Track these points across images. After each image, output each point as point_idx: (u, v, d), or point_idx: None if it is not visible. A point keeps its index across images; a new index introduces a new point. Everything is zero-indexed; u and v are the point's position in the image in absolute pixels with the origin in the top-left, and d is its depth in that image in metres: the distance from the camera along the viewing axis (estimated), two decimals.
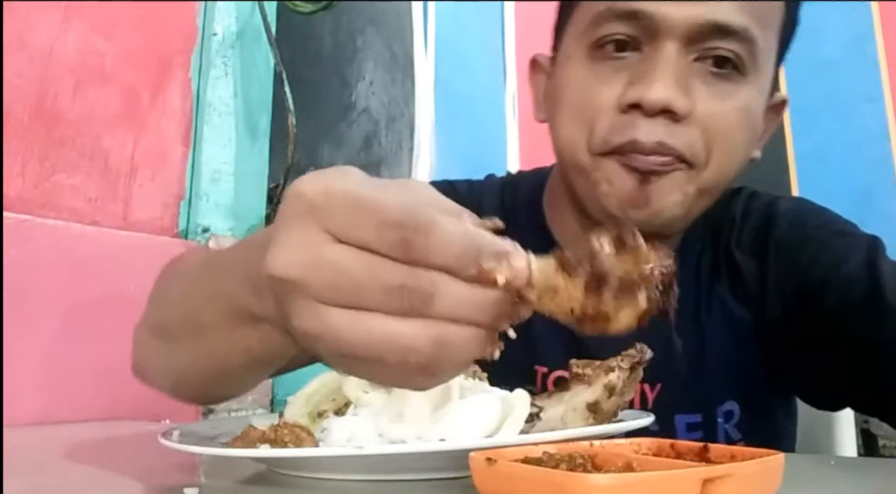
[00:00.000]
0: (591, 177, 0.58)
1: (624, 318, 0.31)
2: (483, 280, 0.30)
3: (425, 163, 1.67)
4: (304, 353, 0.37)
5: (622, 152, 0.55)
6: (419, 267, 0.29)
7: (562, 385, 0.48)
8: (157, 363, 0.55)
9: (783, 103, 0.65)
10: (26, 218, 0.83)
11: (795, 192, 2.20)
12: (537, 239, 0.68)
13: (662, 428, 0.58)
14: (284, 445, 0.42)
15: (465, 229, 0.30)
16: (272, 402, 1.12)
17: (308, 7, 1.20)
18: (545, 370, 0.63)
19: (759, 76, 0.57)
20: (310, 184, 0.31)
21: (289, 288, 0.30)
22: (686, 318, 0.63)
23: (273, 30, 1.16)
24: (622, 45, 0.56)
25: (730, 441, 0.62)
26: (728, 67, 0.55)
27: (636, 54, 0.56)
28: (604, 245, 0.31)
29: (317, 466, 0.42)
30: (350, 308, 0.30)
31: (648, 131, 0.54)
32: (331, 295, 0.30)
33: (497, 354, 0.32)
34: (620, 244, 0.31)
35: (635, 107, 0.54)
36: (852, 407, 0.66)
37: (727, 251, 0.65)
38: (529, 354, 0.63)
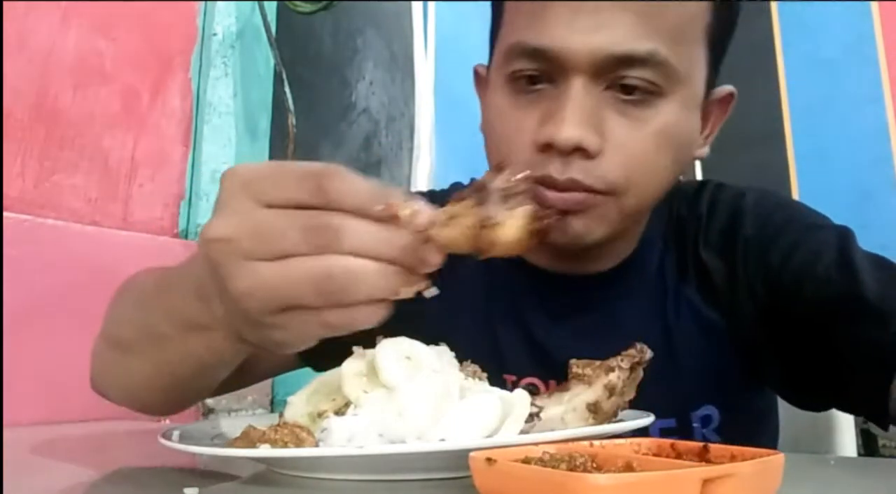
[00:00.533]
0: None
1: (512, 226, 0.38)
2: (388, 217, 0.36)
3: (425, 163, 1.67)
4: (252, 358, 0.48)
5: (536, 184, 0.55)
6: (332, 210, 0.36)
7: (562, 385, 0.48)
8: (115, 375, 0.59)
9: (730, 96, 0.64)
10: (26, 218, 0.83)
11: (795, 192, 2.20)
12: (501, 258, 0.65)
13: (635, 435, 0.57)
14: (284, 445, 0.42)
15: (371, 181, 0.37)
16: (272, 402, 1.12)
17: (308, 7, 1.20)
18: (514, 378, 0.63)
19: (682, 90, 0.56)
20: (240, 167, 0.38)
21: (222, 247, 0.36)
22: (652, 320, 0.63)
23: (273, 30, 1.16)
24: (535, 79, 0.56)
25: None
26: (641, 93, 0.55)
27: (550, 86, 0.56)
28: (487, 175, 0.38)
29: (317, 466, 0.42)
30: (275, 259, 0.36)
31: (562, 169, 0.54)
32: (257, 246, 0.36)
33: (430, 292, 0.39)
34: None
35: (549, 146, 0.54)
36: (836, 407, 0.65)
37: (695, 250, 0.64)
38: (498, 364, 0.62)
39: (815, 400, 0.61)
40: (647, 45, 0.53)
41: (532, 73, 0.56)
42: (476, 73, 0.69)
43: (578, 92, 0.54)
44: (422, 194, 0.74)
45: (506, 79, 0.58)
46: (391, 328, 0.45)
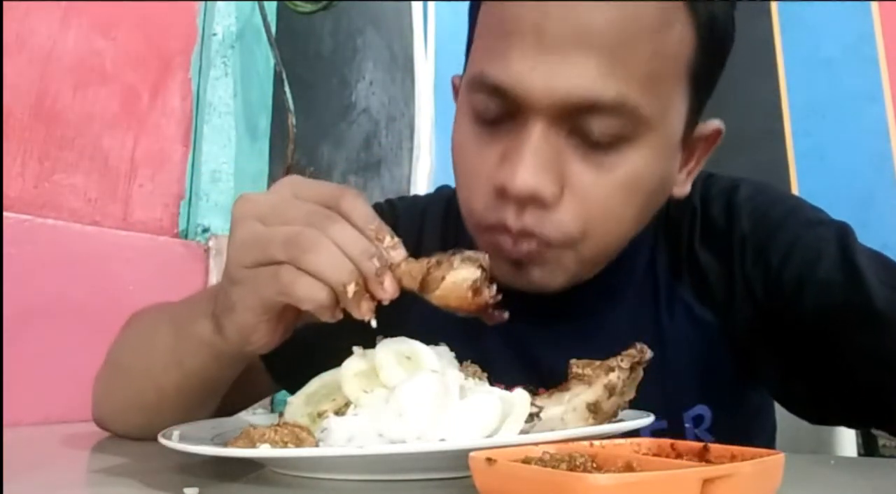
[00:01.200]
0: (479, 245, 0.57)
1: (459, 271, 0.45)
2: (372, 238, 0.44)
3: (425, 163, 1.67)
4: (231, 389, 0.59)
5: (493, 231, 0.53)
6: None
7: (562, 385, 0.48)
8: (119, 400, 0.62)
9: (717, 132, 0.59)
10: (26, 218, 0.83)
11: (795, 192, 2.20)
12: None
13: (634, 435, 0.56)
14: (284, 445, 0.42)
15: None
16: (272, 402, 1.12)
17: (308, 7, 1.20)
18: (502, 387, 0.62)
19: (653, 135, 0.51)
20: (294, 178, 0.48)
21: (249, 206, 0.47)
22: (643, 321, 0.61)
23: (273, 30, 1.16)
24: (498, 117, 0.52)
25: None
26: (607, 139, 0.50)
27: (511, 123, 0.52)
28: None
29: (317, 466, 0.42)
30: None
31: (516, 216, 0.51)
32: (269, 214, 0.46)
33: (371, 321, 0.44)
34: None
35: (504, 191, 0.51)
36: (840, 420, 0.61)
37: (689, 246, 0.61)
38: (486, 373, 0.62)
39: (819, 410, 0.58)
40: (613, 92, 0.49)
41: (491, 108, 0.52)
42: (453, 84, 0.66)
43: (537, 136, 0.50)
44: (378, 206, 0.74)
45: (468, 107, 0.55)
46: (363, 343, 0.47)
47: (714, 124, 0.59)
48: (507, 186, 0.50)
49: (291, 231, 0.44)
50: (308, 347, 0.58)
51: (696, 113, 0.56)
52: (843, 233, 0.56)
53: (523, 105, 0.50)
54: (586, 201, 0.52)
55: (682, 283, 0.62)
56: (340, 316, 0.45)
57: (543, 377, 0.54)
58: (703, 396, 0.60)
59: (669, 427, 0.60)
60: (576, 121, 0.50)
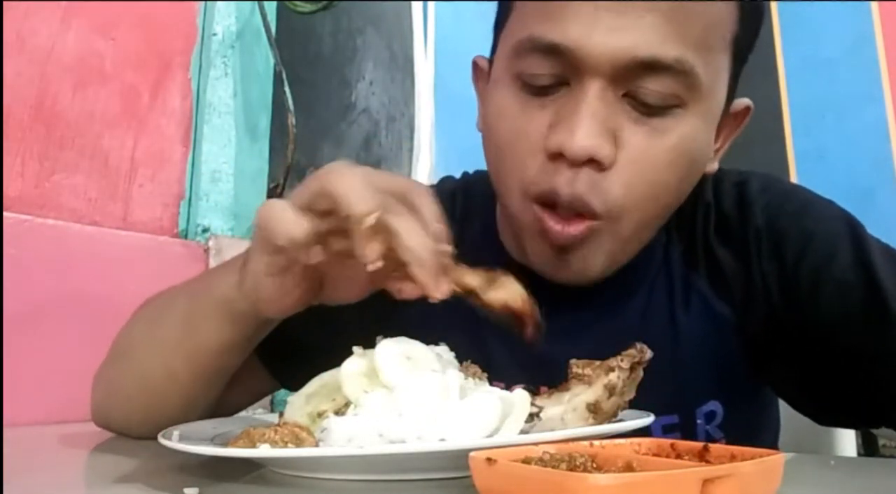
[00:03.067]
0: (518, 224, 0.56)
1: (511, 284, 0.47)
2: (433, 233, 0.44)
3: (425, 163, 1.67)
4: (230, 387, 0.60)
5: (542, 202, 0.53)
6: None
7: (562, 385, 0.48)
8: (125, 387, 0.61)
9: (746, 110, 0.60)
10: (26, 218, 0.83)
11: None
12: (488, 248, 0.64)
13: (636, 431, 0.56)
14: (284, 445, 0.42)
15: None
16: (272, 402, 1.11)
17: (308, 7, 1.20)
18: (502, 385, 0.61)
19: (705, 102, 0.52)
20: (368, 170, 0.45)
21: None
22: (658, 315, 0.60)
23: (273, 30, 1.16)
24: (550, 83, 0.52)
25: (710, 440, 0.60)
26: (662, 103, 0.50)
27: (563, 88, 0.51)
28: None
29: (317, 466, 0.42)
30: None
31: (570, 181, 0.51)
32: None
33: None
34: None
35: (559, 155, 0.50)
36: (842, 420, 0.61)
37: (705, 240, 0.61)
38: (488, 372, 0.61)
39: (828, 410, 0.58)
40: (674, 52, 0.49)
41: (543, 73, 0.51)
42: (475, 65, 0.64)
43: (595, 97, 0.49)
44: None
45: (513, 77, 0.53)
46: (362, 340, 0.47)
47: (744, 101, 0.59)
48: (565, 148, 0.49)
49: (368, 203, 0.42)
50: (307, 345, 0.58)
51: (733, 88, 0.56)
52: (854, 228, 0.56)
53: (582, 65, 0.49)
54: (639, 166, 0.51)
55: (698, 275, 0.61)
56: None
57: (549, 375, 0.53)
58: (716, 392, 0.60)
59: (681, 422, 0.59)
60: (632, 82, 0.50)
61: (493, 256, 0.61)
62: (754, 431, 0.63)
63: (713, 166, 0.60)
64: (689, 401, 0.60)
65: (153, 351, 0.58)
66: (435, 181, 0.79)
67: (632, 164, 0.51)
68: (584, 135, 0.49)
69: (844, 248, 0.55)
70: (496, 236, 0.65)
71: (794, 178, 2.14)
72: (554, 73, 0.51)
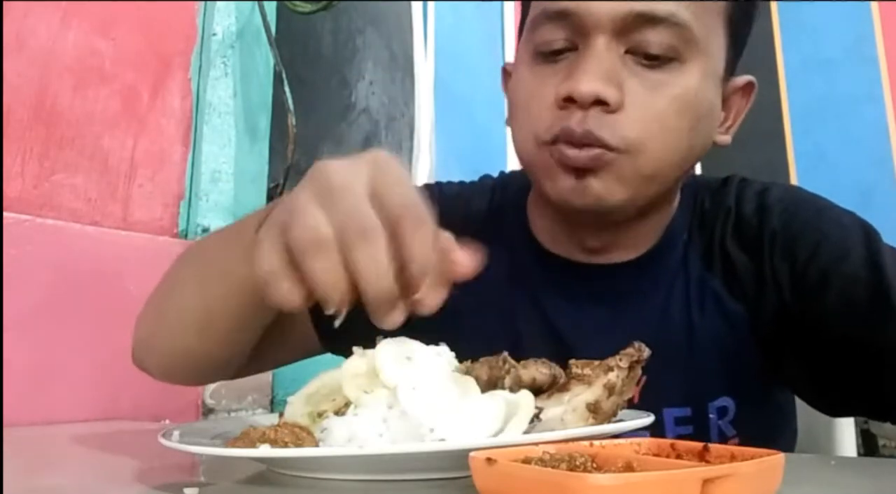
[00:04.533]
0: (537, 171, 0.60)
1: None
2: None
3: (425, 163, 1.67)
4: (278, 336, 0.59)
5: (556, 142, 0.57)
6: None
7: (561, 385, 0.48)
8: (167, 324, 0.63)
9: (750, 85, 0.64)
10: (26, 218, 0.83)
11: None
12: (521, 239, 0.69)
13: (650, 428, 0.57)
14: (284, 445, 0.42)
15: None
16: (272, 402, 1.12)
17: (308, 7, 1.20)
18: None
19: (703, 59, 0.57)
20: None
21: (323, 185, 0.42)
22: (675, 311, 0.63)
23: (273, 30, 1.16)
24: (561, 47, 0.58)
25: (723, 437, 0.61)
26: (662, 57, 0.56)
27: (572, 53, 0.57)
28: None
29: (317, 466, 0.42)
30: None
31: (580, 120, 0.55)
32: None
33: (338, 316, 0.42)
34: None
35: (570, 101, 0.55)
36: (860, 412, 0.63)
37: (721, 242, 0.64)
38: (517, 356, 0.63)
39: (840, 403, 0.60)
40: (667, 6, 0.55)
41: (556, 38, 0.57)
42: (504, 71, 0.69)
43: (600, 49, 0.55)
44: (428, 188, 0.76)
45: (532, 53, 0.59)
46: (415, 325, 0.46)
47: (746, 77, 0.64)
48: (573, 91, 0.55)
49: (316, 237, 0.40)
50: (354, 310, 0.58)
51: (731, 61, 0.61)
52: (870, 234, 0.58)
53: (586, 23, 0.55)
54: (644, 112, 0.56)
55: (713, 275, 0.63)
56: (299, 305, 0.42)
57: (572, 357, 0.55)
58: (728, 388, 0.62)
59: (693, 415, 0.61)
60: (634, 36, 0.55)
61: (525, 245, 0.68)
62: (769, 433, 0.64)
63: (725, 139, 0.63)
64: (701, 395, 0.62)
65: (191, 289, 0.61)
66: (435, 181, 0.80)
67: (639, 108, 0.56)
68: (590, 78, 0.54)
69: (856, 250, 0.57)
70: (529, 228, 0.69)
71: (794, 178, 2.14)
72: (564, 38, 0.57)
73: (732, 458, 0.34)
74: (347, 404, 0.45)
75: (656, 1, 0.55)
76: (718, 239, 0.64)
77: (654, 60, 0.56)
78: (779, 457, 0.32)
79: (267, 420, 0.54)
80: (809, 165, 2.12)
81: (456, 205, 0.72)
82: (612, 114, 0.55)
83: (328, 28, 1.43)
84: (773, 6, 2.19)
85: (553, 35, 0.58)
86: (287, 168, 1.15)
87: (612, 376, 0.46)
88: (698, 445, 0.36)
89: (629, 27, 0.55)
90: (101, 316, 0.89)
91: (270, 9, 1.18)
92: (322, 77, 1.42)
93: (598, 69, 0.55)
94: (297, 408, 0.48)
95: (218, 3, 1.12)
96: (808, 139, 2.15)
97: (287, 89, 1.14)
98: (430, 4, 1.80)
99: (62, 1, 0.89)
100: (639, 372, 0.47)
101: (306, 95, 1.29)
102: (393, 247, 0.40)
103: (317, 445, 0.43)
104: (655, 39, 0.55)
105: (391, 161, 0.44)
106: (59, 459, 0.58)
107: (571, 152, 0.56)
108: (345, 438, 0.42)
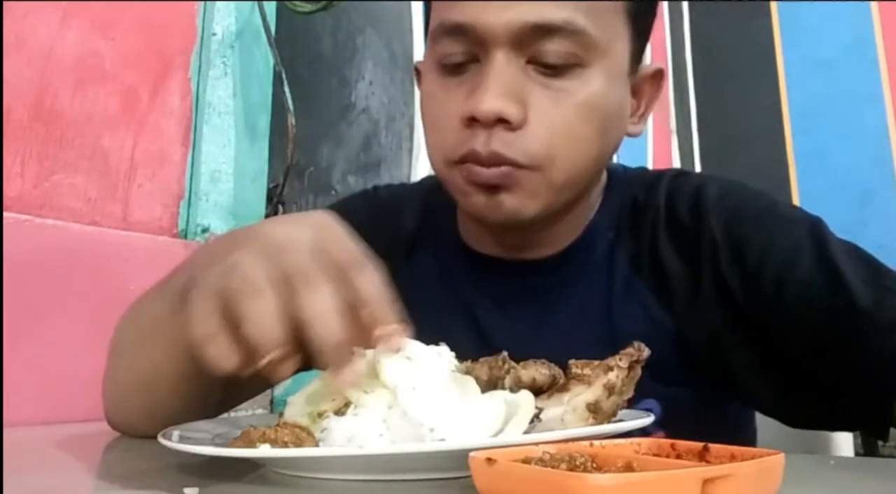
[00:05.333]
0: (451, 188, 0.61)
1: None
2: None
3: (425, 163, 1.67)
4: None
5: (464, 162, 0.57)
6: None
7: (561, 385, 0.48)
8: (122, 385, 0.60)
9: (659, 73, 0.64)
10: (26, 218, 0.83)
11: (795, 192, 2.20)
12: (450, 240, 0.69)
13: (634, 435, 0.56)
14: (284, 445, 0.42)
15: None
16: (272, 402, 1.12)
17: (308, 7, 1.20)
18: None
19: (606, 60, 0.56)
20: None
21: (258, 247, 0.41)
22: (596, 311, 0.61)
23: (273, 30, 1.16)
24: (461, 61, 0.57)
25: (646, 435, 0.60)
26: (562, 64, 0.55)
27: (474, 65, 0.57)
28: None
29: (317, 466, 0.42)
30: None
31: (485, 141, 0.55)
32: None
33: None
34: None
35: (474, 120, 0.55)
36: (826, 425, 0.61)
37: (651, 245, 0.62)
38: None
39: (799, 413, 0.58)
40: (563, 14, 0.54)
41: (456, 52, 0.57)
42: (416, 70, 0.69)
43: (499, 64, 0.54)
44: (361, 195, 0.78)
45: (435, 63, 0.59)
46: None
47: (655, 65, 0.64)
48: (475, 112, 0.54)
49: (254, 286, 0.39)
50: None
51: (636, 54, 0.61)
52: (817, 229, 0.57)
53: (483, 37, 0.55)
54: (549, 124, 0.55)
55: (641, 280, 0.62)
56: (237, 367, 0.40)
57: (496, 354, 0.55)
58: (651, 392, 0.59)
59: None
60: (532, 47, 0.55)
61: (453, 246, 0.69)
62: (702, 426, 0.62)
63: (638, 128, 0.64)
64: None
65: (137, 346, 0.58)
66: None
67: (543, 122, 0.55)
68: (490, 98, 0.54)
69: (806, 250, 0.55)
70: (457, 226, 0.70)
71: (793, 178, 2.14)
72: (464, 51, 0.56)
73: (732, 458, 0.34)
74: (347, 404, 0.45)
75: (551, 9, 0.54)
76: (648, 240, 0.62)
77: (555, 68, 0.55)
78: (779, 457, 0.32)
79: (267, 420, 0.54)
80: (809, 165, 2.12)
81: (388, 212, 0.74)
82: (517, 131, 0.55)
83: (328, 28, 1.43)
84: (773, 6, 2.20)
85: (453, 48, 0.57)
86: (287, 168, 1.15)
87: (611, 376, 0.46)
88: (698, 445, 0.36)
89: (526, 39, 0.54)
90: (101, 317, 0.88)
91: (270, 9, 1.18)
92: (322, 77, 1.42)
93: (498, 86, 0.54)
94: (297, 408, 0.48)
95: (218, 3, 1.12)
96: (808, 139, 2.15)
97: (287, 89, 1.14)
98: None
99: (62, 1, 0.89)
100: (639, 371, 0.47)
101: (306, 95, 1.29)
102: (340, 293, 0.39)
103: (317, 445, 0.43)
104: (554, 48, 0.55)
105: (332, 221, 0.44)
106: (58, 459, 0.58)
107: (479, 170, 0.56)
108: (345, 438, 0.42)
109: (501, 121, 0.54)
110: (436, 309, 0.66)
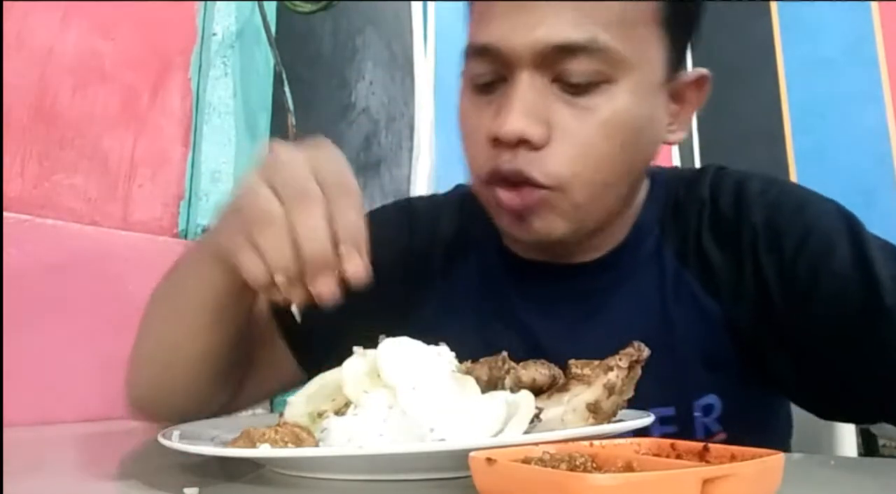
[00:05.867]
0: (485, 204, 0.62)
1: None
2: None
3: (425, 163, 1.67)
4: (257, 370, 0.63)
5: (490, 182, 0.58)
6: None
7: (561, 385, 0.48)
8: (145, 368, 0.63)
9: (703, 79, 0.63)
10: (26, 218, 0.83)
11: None
12: (491, 247, 0.69)
13: (635, 435, 0.57)
14: (284, 445, 0.42)
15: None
16: (272, 402, 1.11)
17: (308, 7, 1.20)
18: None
19: (633, 75, 0.56)
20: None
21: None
22: (649, 307, 0.62)
23: (273, 30, 1.16)
24: (491, 80, 0.58)
25: (709, 434, 0.60)
26: (587, 82, 0.55)
27: (503, 83, 0.57)
28: None
29: (317, 466, 0.42)
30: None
31: (509, 160, 0.56)
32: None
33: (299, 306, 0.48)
34: None
35: (498, 141, 0.56)
36: (842, 412, 0.62)
37: (696, 237, 0.63)
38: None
39: (829, 405, 0.60)
40: (585, 34, 0.54)
41: (484, 72, 0.58)
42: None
43: (523, 85, 0.55)
44: (399, 205, 0.78)
45: (467, 82, 0.60)
46: (385, 331, 0.48)
47: (700, 70, 0.63)
48: (499, 134, 0.55)
49: (263, 207, 0.46)
50: (331, 334, 0.59)
51: (676, 59, 0.60)
52: (853, 224, 0.58)
53: (508, 58, 0.56)
54: (573, 143, 0.56)
55: (688, 270, 0.63)
56: (280, 298, 0.48)
57: (547, 359, 0.54)
58: (712, 386, 0.61)
59: (678, 414, 0.60)
60: (557, 67, 0.55)
61: (496, 253, 0.69)
62: (758, 430, 0.63)
63: (677, 136, 0.63)
64: (685, 394, 0.61)
65: (159, 329, 0.62)
66: (435, 181, 0.83)
67: (566, 141, 0.56)
68: (513, 120, 0.55)
69: (842, 243, 0.56)
70: (498, 235, 0.69)
71: (794, 178, 2.14)
72: (492, 71, 0.58)
73: (732, 458, 0.34)
74: (347, 404, 0.45)
75: (575, 29, 0.54)
76: (693, 232, 0.63)
77: (580, 87, 0.55)
78: (778, 457, 0.32)
79: (267, 420, 0.54)
80: (809, 165, 2.12)
81: (427, 222, 0.74)
82: (540, 151, 0.55)
83: (328, 28, 1.43)
84: (773, 6, 2.19)
85: (482, 69, 0.58)
86: None
87: (611, 376, 0.46)
88: (698, 445, 0.36)
89: (550, 59, 0.55)
90: (101, 317, 0.89)
91: (270, 9, 1.18)
92: (322, 77, 1.42)
93: (522, 107, 0.55)
94: (297, 408, 0.48)
95: (218, 3, 1.12)
96: (808, 139, 2.15)
97: (287, 89, 1.14)
98: (430, 4, 1.80)
99: (62, 1, 0.89)
100: (639, 371, 0.47)
101: (306, 95, 1.29)
102: (328, 213, 0.46)
103: (317, 445, 0.43)
104: (578, 68, 0.55)
105: (329, 146, 0.50)
106: (59, 459, 0.58)
107: (506, 196, 0.57)
108: (345, 438, 0.42)
109: (524, 142, 0.55)
110: (477, 315, 0.67)
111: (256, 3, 1.14)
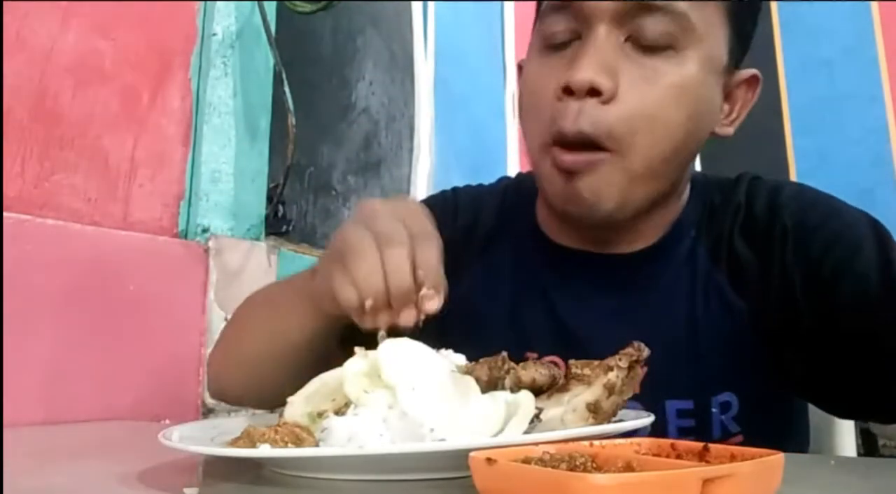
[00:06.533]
0: (538, 174, 0.63)
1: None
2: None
3: (425, 163, 1.67)
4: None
5: (553, 144, 0.59)
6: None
7: (561, 385, 0.48)
8: (234, 359, 0.70)
9: (755, 79, 0.65)
10: (26, 218, 0.83)
11: None
12: (529, 235, 0.71)
13: (651, 412, 0.58)
14: (284, 445, 0.42)
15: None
16: None
17: (308, 7, 1.20)
18: (535, 355, 0.63)
19: (701, 49, 0.58)
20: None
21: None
22: (678, 304, 0.63)
23: (273, 30, 1.16)
24: (566, 39, 0.60)
25: (726, 433, 0.61)
26: (659, 44, 0.57)
27: (577, 41, 0.59)
28: None
29: (317, 466, 0.42)
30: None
31: (574, 118, 0.57)
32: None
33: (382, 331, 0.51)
34: None
35: (568, 91, 0.57)
36: (864, 415, 0.64)
37: (729, 239, 0.65)
38: (522, 341, 0.65)
39: (847, 403, 0.61)
40: None
41: (560, 30, 0.59)
42: (518, 67, 0.71)
43: (599, 39, 0.57)
44: (444, 195, 0.80)
45: (540, 45, 0.62)
46: (428, 325, 0.51)
47: (751, 70, 0.65)
48: (570, 80, 0.56)
49: (358, 244, 0.51)
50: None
51: (735, 53, 0.62)
52: (879, 230, 0.59)
53: (588, 13, 0.58)
54: (640, 101, 0.57)
55: (719, 270, 0.64)
56: (370, 324, 0.51)
57: (578, 349, 0.55)
58: (731, 383, 0.62)
59: (695, 408, 0.61)
60: (632, 24, 0.57)
61: (533, 240, 0.70)
62: (775, 435, 0.64)
63: (727, 130, 0.65)
64: (704, 389, 0.62)
65: (252, 338, 0.67)
66: (435, 181, 0.84)
67: (633, 97, 0.57)
68: (585, 68, 0.56)
69: (868, 247, 0.58)
70: (537, 223, 0.72)
71: (793, 178, 2.14)
72: (568, 28, 0.59)
73: (732, 458, 0.34)
74: (347, 404, 0.45)
75: None
76: (727, 234, 0.65)
77: (652, 49, 0.57)
78: (778, 457, 0.32)
79: (267, 420, 0.54)
80: (809, 165, 2.12)
81: (469, 211, 0.76)
82: (606, 105, 0.56)
83: (328, 28, 1.43)
84: (773, 6, 2.19)
85: (558, 26, 0.59)
86: (287, 168, 1.15)
87: (611, 376, 0.46)
88: (698, 445, 0.36)
89: (627, 15, 0.57)
90: (101, 317, 0.89)
91: (270, 9, 1.18)
92: (322, 77, 1.42)
93: (595, 58, 0.56)
94: (297, 408, 0.48)
95: (218, 3, 1.12)
96: (808, 139, 2.15)
97: (287, 89, 1.14)
98: (430, 4, 1.80)
99: (62, 1, 0.89)
100: (639, 371, 0.47)
101: (306, 95, 1.29)
102: (410, 255, 0.50)
103: (317, 445, 0.43)
104: (654, 28, 0.57)
105: (412, 200, 0.57)
106: (59, 459, 0.58)
107: (564, 155, 0.58)
108: (345, 438, 0.42)
109: (593, 93, 0.56)
110: (511, 299, 0.68)
111: (256, 3, 1.14)
